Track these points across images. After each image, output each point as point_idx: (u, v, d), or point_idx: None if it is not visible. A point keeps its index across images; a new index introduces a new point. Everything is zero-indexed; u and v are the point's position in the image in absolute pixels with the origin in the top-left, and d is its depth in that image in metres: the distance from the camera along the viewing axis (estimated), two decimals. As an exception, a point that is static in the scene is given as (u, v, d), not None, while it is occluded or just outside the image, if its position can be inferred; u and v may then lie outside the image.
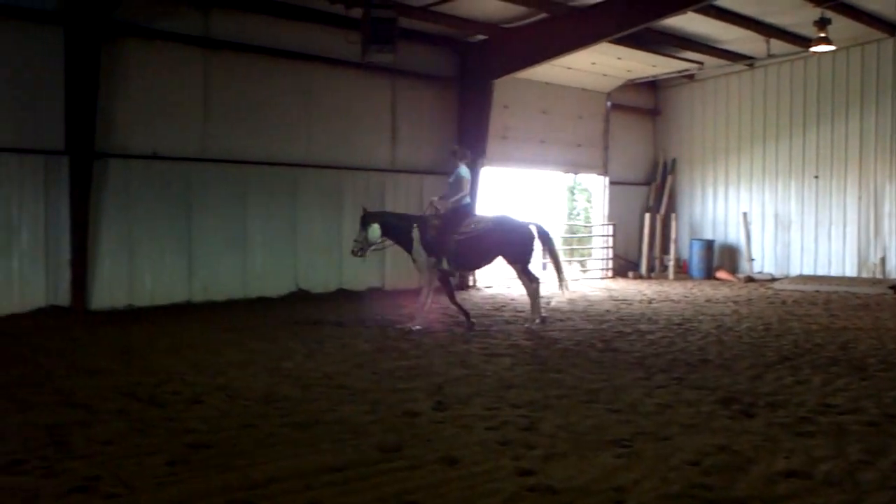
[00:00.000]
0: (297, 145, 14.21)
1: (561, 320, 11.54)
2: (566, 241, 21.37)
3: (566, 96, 18.74)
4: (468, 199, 11.24)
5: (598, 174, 20.03)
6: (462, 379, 7.38)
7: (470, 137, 16.11)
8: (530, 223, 11.36)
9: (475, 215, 11.39)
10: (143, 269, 12.40)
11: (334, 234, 14.59)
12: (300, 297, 13.79)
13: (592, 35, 14.14)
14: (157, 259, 12.51)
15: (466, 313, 10.95)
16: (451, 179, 11.23)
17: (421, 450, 5.08)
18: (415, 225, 11.03)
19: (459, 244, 10.81)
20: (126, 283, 12.23)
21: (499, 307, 13.16)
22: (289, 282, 14.04)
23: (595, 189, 20.57)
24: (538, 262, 12.39)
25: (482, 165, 16.30)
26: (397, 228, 11.09)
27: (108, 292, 12.00)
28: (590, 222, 21.07)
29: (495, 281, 16.86)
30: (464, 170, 11.07)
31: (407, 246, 11.09)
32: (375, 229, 10.95)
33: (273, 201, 13.87)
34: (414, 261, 11.18)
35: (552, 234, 11.77)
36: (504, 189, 19.76)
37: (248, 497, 4.22)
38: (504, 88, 16.52)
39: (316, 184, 14.46)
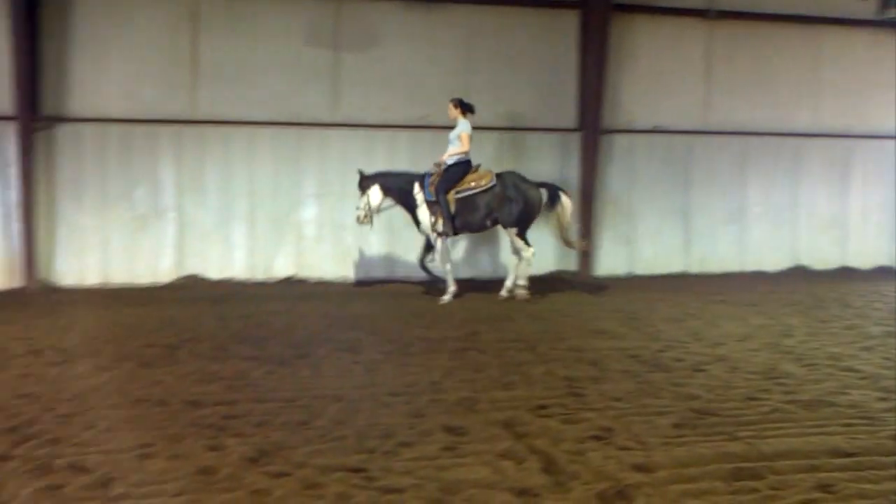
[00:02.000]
0: (802, 113, 13.58)
1: None
2: None
3: None
4: (468, 156, 10.30)
5: None
6: None
7: None
8: (541, 185, 10.56)
9: (479, 172, 10.40)
10: (644, 239, 12.99)
11: (839, 208, 13.74)
12: (799, 274, 13.22)
13: None
14: (656, 229, 13.01)
15: (431, 274, 10.75)
16: (451, 135, 10.31)
17: (949, 447, 4.65)
18: (416, 184, 10.43)
19: (458, 203, 10.19)
20: (627, 251, 12.94)
21: None
22: (787, 256, 13.54)
23: None
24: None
25: None
26: (398, 188, 10.54)
27: (611, 260, 12.83)
28: None
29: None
30: (464, 124, 10.19)
31: (410, 207, 10.55)
32: (375, 191, 10.49)
33: (774, 173, 13.51)
34: (417, 223, 10.55)
35: (566, 198, 10.63)
36: None
37: (754, 468, 4.27)
38: None
39: (821, 154, 13.68)
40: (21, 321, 8.81)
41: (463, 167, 10.33)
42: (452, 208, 10.21)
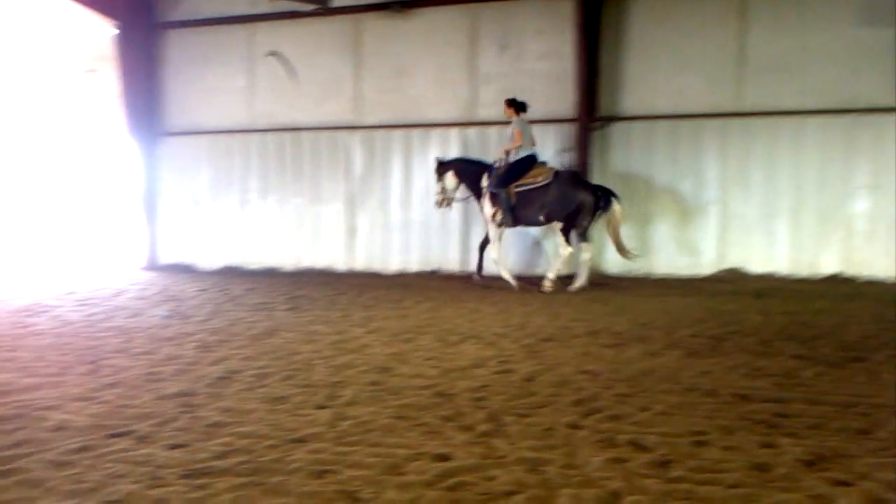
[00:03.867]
0: None
1: None
2: None
3: None
4: (524, 152, 10.67)
5: None
6: None
7: None
8: (597, 188, 10.71)
9: (540, 168, 10.77)
10: None
11: None
12: None
13: None
14: None
15: (479, 267, 11.31)
16: (508, 131, 10.79)
17: None
18: (485, 174, 10.88)
19: (517, 196, 10.55)
20: None
21: None
22: None
23: None
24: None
25: None
26: (469, 176, 11.06)
27: None
28: None
29: None
30: (516, 121, 10.61)
31: (477, 195, 11.04)
32: (450, 178, 11.14)
33: None
34: (481, 211, 11.01)
35: (617, 205, 10.73)
36: None
37: None
38: None
39: None
40: (576, 305, 9.75)
41: (526, 162, 10.69)
42: (513, 201, 10.61)
